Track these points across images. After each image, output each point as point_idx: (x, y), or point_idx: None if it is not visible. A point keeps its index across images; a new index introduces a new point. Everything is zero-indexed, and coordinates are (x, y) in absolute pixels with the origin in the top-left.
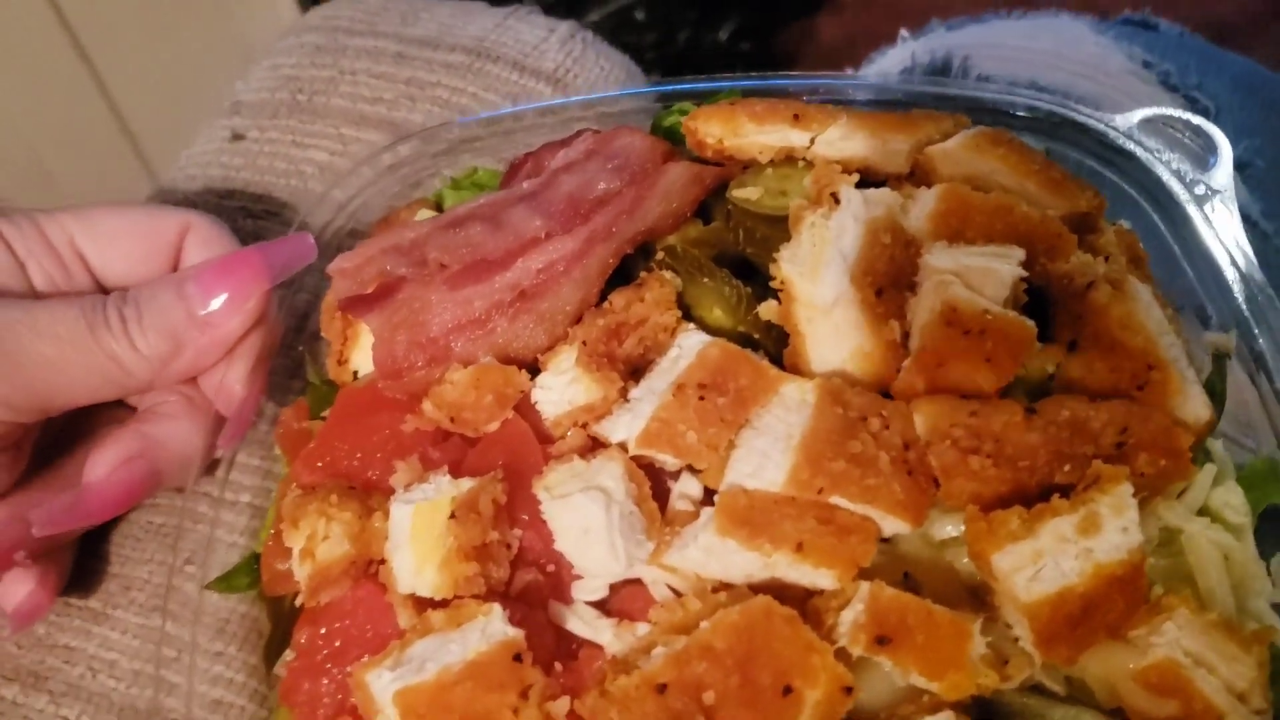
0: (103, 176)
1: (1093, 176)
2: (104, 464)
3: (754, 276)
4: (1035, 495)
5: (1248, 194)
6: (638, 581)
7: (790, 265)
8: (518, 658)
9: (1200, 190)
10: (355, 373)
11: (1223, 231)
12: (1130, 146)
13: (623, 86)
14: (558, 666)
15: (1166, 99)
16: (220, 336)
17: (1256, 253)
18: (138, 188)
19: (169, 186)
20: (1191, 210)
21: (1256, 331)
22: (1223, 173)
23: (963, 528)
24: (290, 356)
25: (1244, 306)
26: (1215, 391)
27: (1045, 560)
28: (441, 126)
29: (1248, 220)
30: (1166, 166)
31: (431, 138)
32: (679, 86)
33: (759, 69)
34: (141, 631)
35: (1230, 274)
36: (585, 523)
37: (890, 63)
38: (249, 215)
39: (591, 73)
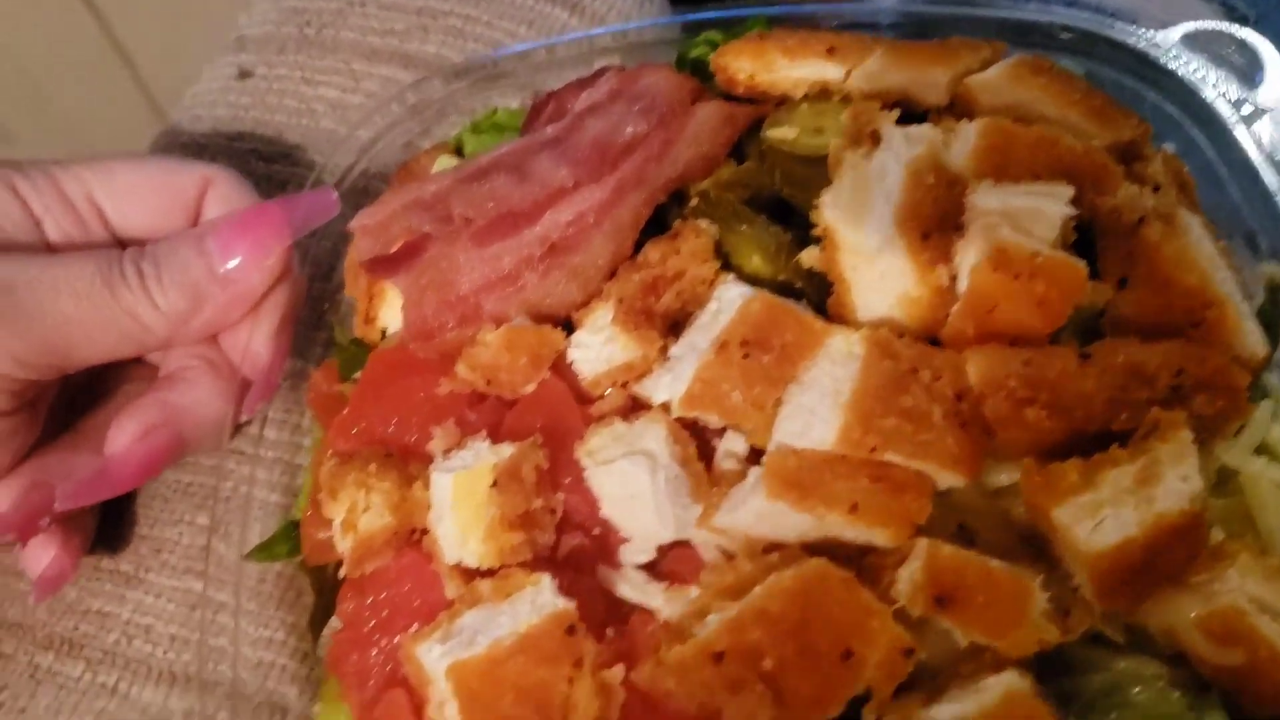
0: (103, 106)
1: (1133, 97)
2: (126, 434)
3: (792, 218)
4: (1091, 443)
5: None
6: (686, 543)
7: (833, 211)
8: (570, 629)
9: (1247, 109)
10: (384, 331)
11: (1273, 152)
12: (1172, 64)
13: (643, 10)
14: (609, 632)
15: (1203, 8)
16: (241, 293)
17: None
18: (138, 117)
19: (176, 128)
20: (1239, 131)
21: None
22: (1271, 89)
23: (1016, 476)
24: (314, 310)
25: None
26: (1270, 324)
27: (1105, 512)
28: (466, 63)
29: None
30: (1211, 85)
31: (455, 75)
32: (705, 15)
33: None
34: (176, 595)
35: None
36: (631, 489)
37: None
38: (261, 158)
39: None
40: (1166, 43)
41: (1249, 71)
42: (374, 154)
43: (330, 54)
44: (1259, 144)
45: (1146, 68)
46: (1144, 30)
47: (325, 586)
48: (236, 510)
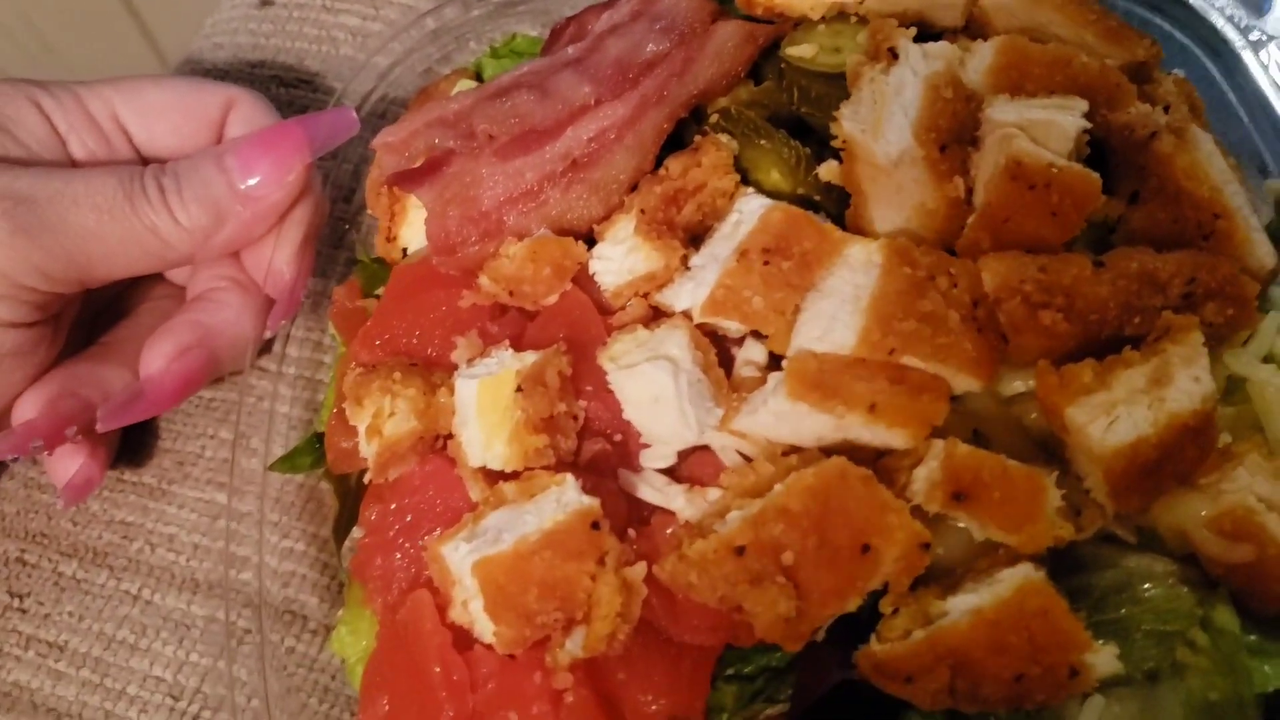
0: (106, 52)
1: (1143, 25)
2: (161, 355)
3: (809, 136)
4: (1105, 348)
5: None
6: (706, 448)
7: (852, 123)
8: (595, 525)
9: (1255, 35)
10: (405, 250)
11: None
12: None
13: None
14: (631, 533)
15: None
16: (262, 210)
17: None
18: (143, 64)
19: (196, 56)
20: (1247, 56)
21: None
22: (1278, 15)
23: (1031, 383)
24: (335, 230)
25: None
26: (1278, 239)
27: (1119, 411)
28: None
29: None
30: (1220, 12)
31: (474, 1)
32: None
33: None
34: (198, 506)
35: None
36: (655, 391)
37: None
38: (282, 84)
39: None
40: None
41: (1258, 1)
42: (393, 79)
43: None
44: (1266, 69)
45: None
46: None
47: (348, 495)
48: (259, 424)
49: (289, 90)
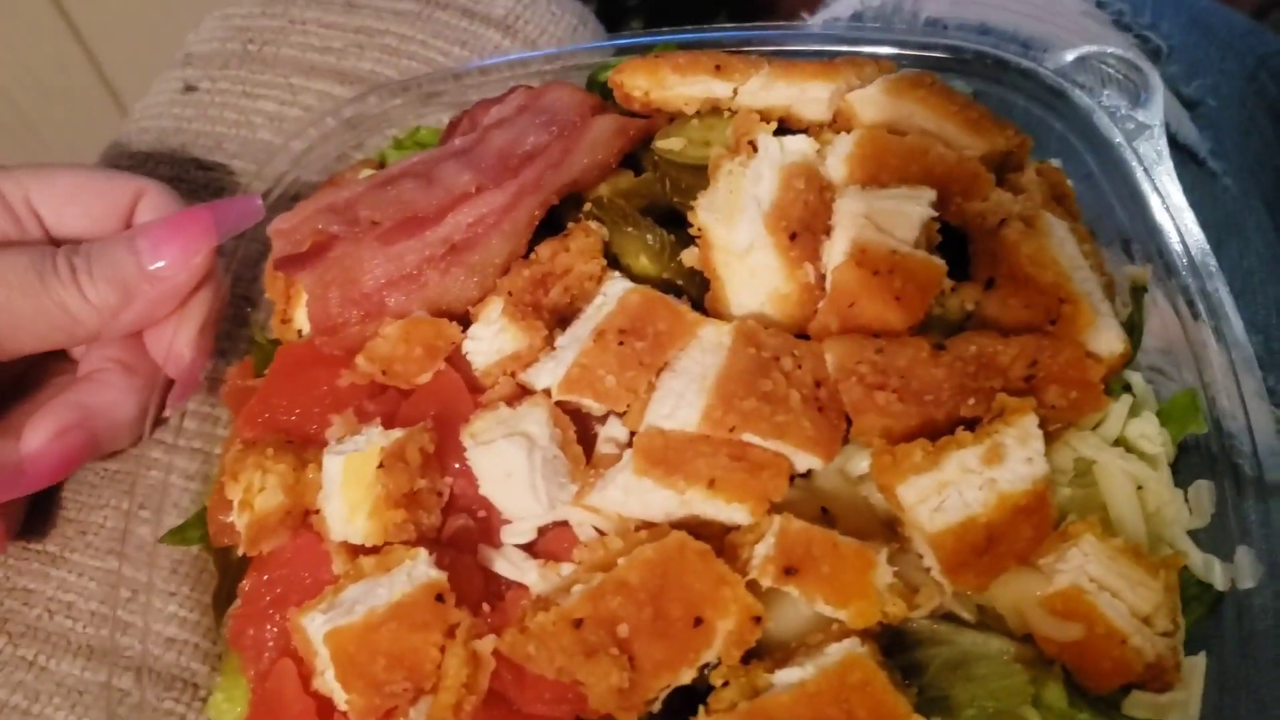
0: (83, 126)
1: (1028, 118)
2: (42, 434)
3: (682, 226)
4: (945, 429)
5: (1198, 133)
6: (565, 524)
7: (707, 212)
8: (440, 598)
9: (1130, 125)
10: (300, 331)
11: (1151, 166)
12: (1062, 85)
13: (576, 33)
14: (486, 608)
15: (1118, 39)
16: (168, 290)
17: (1204, 192)
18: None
19: (123, 140)
20: (1120, 146)
21: (1181, 265)
22: (1154, 107)
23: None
24: (238, 310)
25: (1170, 242)
26: (1133, 327)
27: (949, 491)
28: (402, 80)
29: (1195, 159)
30: (1098, 103)
31: (391, 92)
32: (630, 41)
33: (737, 18)
34: (98, 574)
35: (1156, 207)
36: (507, 467)
37: (842, 8)
38: (200, 166)
39: (543, 19)
40: (1057, 64)
41: (1137, 90)
42: (307, 164)
43: (270, 69)
44: (1139, 158)
45: (1039, 89)
46: (1035, 54)
47: (229, 567)
48: (155, 495)
49: (206, 172)
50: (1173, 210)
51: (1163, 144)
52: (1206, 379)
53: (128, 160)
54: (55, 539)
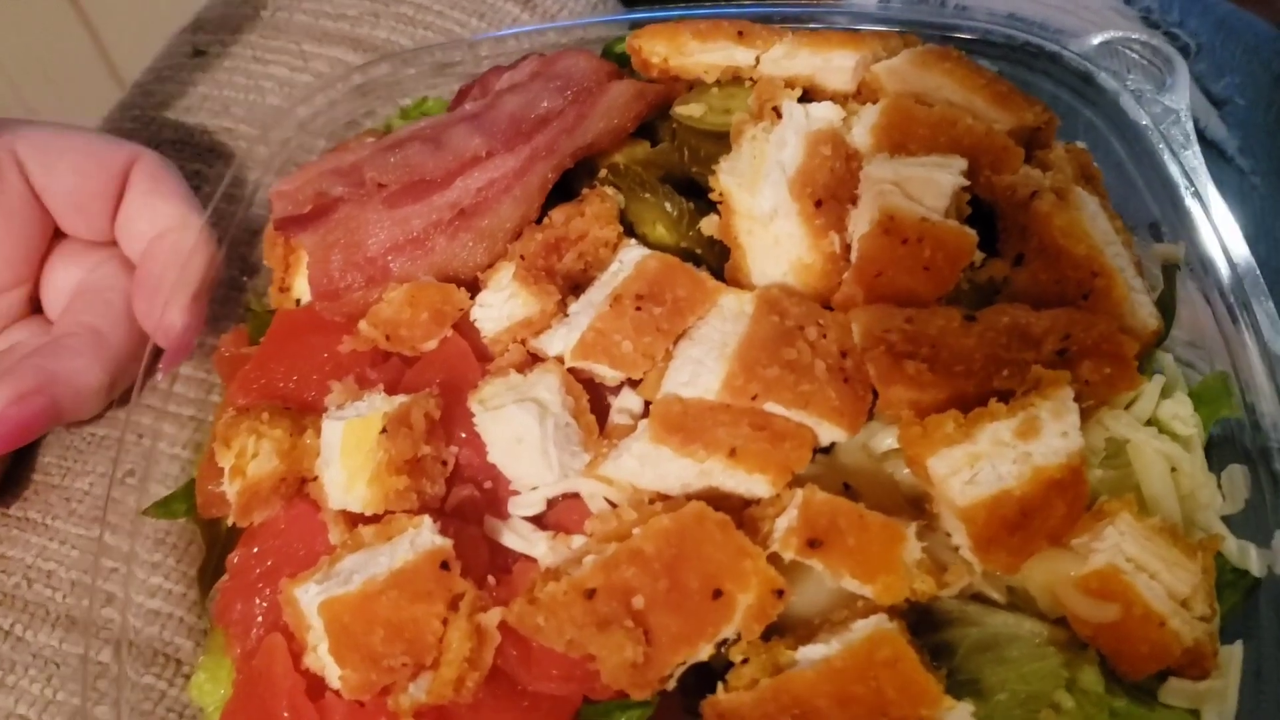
0: (78, 101)
1: (1054, 104)
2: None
3: (700, 196)
4: (974, 402)
5: (1225, 131)
6: (575, 496)
7: (729, 176)
8: (444, 565)
9: (1157, 109)
10: (298, 300)
11: (1179, 150)
12: (1089, 68)
13: (595, 10)
14: (491, 580)
15: (1145, 33)
16: None
17: (1232, 187)
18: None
19: (127, 102)
20: (1148, 128)
21: (1208, 246)
22: (1180, 91)
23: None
24: (234, 281)
25: (1196, 222)
26: (1165, 305)
27: (982, 463)
28: (414, 49)
29: (1224, 156)
30: (1124, 86)
31: (403, 61)
32: (652, 15)
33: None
34: (81, 542)
35: (1184, 189)
36: (518, 433)
37: None
38: (206, 130)
39: None
40: (1083, 48)
41: (1161, 75)
42: (315, 130)
43: (282, 34)
44: (1166, 139)
45: (1064, 72)
46: (1062, 36)
47: (217, 540)
48: (141, 463)
49: (211, 137)
50: (1201, 194)
51: (1189, 127)
52: (1239, 365)
53: (131, 123)
54: (37, 505)
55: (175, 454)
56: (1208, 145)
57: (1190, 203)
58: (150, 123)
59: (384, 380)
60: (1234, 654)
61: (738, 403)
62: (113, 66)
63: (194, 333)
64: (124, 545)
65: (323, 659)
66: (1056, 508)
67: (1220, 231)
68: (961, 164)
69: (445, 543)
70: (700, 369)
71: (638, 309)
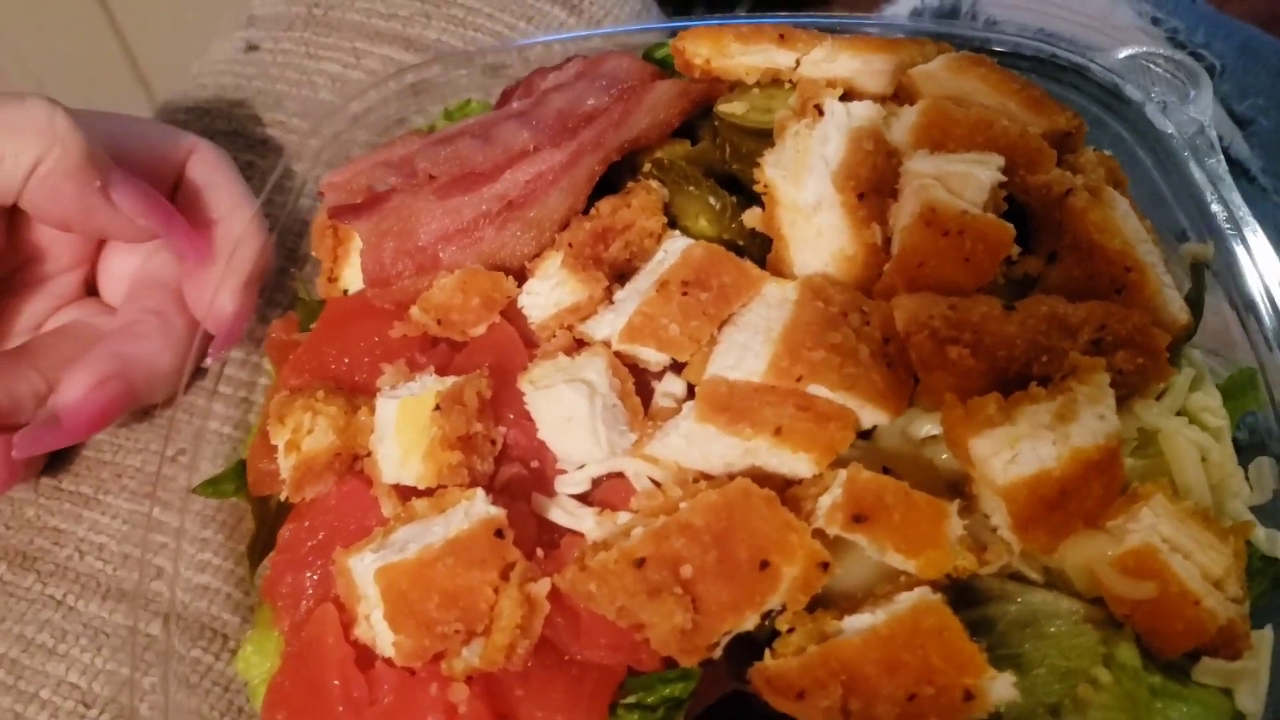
0: (99, 93)
1: (1081, 114)
2: (79, 385)
3: (740, 193)
4: (1014, 387)
5: (1249, 151)
6: (620, 475)
7: (774, 169)
8: (499, 534)
9: (1181, 118)
10: (345, 291)
11: (1203, 159)
12: (1114, 80)
13: (639, 18)
14: (540, 553)
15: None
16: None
17: (1256, 208)
18: (134, 105)
19: (180, 95)
20: (1173, 137)
21: (1235, 248)
22: (1203, 103)
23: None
24: (282, 274)
25: (1222, 227)
26: (1194, 302)
27: (1022, 444)
28: (467, 51)
29: (1247, 175)
30: (1149, 98)
31: (455, 63)
32: (697, 23)
33: (787, 8)
34: (131, 517)
35: (1209, 195)
36: (568, 411)
37: (902, 7)
38: (259, 123)
39: (608, 1)
40: (1108, 62)
41: (1185, 88)
42: (367, 125)
43: (335, 32)
44: (1191, 150)
45: (1089, 84)
46: (1087, 50)
47: (267, 518)
48: (192, 441)
49: (264, 129)
50: (1227, 199)
51: (1214, 136)
52: (1264, 363)
53: (183, 114)
54: (89, 481)
55: (226, 434)
56: (1232, 164)
57: (1216, 208)
58: (204, 114)
59: (434, 364)
60: (1265, 638)
61: (783, 384)
62: (138, 69)
63: (244, 319)
64: (174, 521)
65: (375, 628)
66: (1094, 488)
67: (1246, 237)
68: (999, 161)
69: (499, 512)
70: (745, 352)
71: (684, 294)
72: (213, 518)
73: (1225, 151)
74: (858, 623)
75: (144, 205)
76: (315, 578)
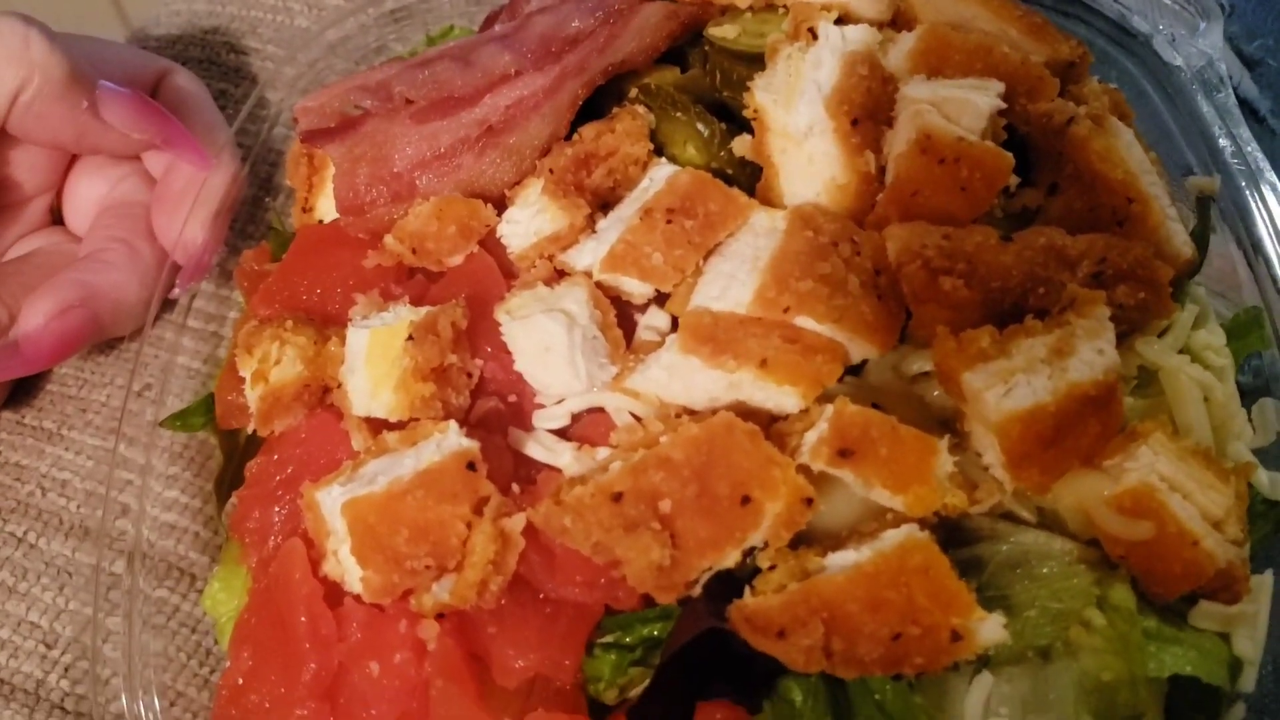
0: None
1: (1088, 49)
2: (41, 313)
3: (732, 121)
4: (1009, 320)
5: (1258, 92)
6: (600, 410)
7: (764, 93)
8: (471, 466)
9: (1190, 51)
10: (320, 221)
11: (1211, 92)
12: (1122, 12)
13: None
14: (515, 489)
15: None
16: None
17: (1265, 148)
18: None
19: (152, 19)
20: (1181, 70)
21: (1243, 185)
22: (1213, 36)
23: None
24: (256, 204)
25: (1232, 163)
26: (1199, 237)
27: (1017, 379)
28: None
29: (1256, 115)
30: (1157, 29)
31: None
32: None
33: None
34: (96, 453)
35: (1217, 129)
36: (546, 342)
37: None
38: (233, 50)
39: None
40: None
41: (1194, 20)
42: (345, 53)
43: None
44: (1200, 83)
45: (1095, 16)
46: None
47: (235, 451)
48: (159, 375)
49: (238, 56)
50: (1235, 134)
51: (1222, 70)
52: (1270, 302)
53: (155, 41)
54: (53, 415)
55: (195, 369)
56: (1241, 104)
57: (1224, 143)
58: (176, 41)
59: (409, 295)
60: (1264, 583)
61: (769, 316)
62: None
63: (213, 251)
64: (139, 458)
65: (343, 563)
66: (1091, 425)
67: (1255, 174)
68: (999, 87)
69: (472, 444)
70: (731, 283)
71: (669, 222)
72: (180, 454)
73: (1234, 91)
74: (841, 560)
75: (138, 117)
76: (283, 513)
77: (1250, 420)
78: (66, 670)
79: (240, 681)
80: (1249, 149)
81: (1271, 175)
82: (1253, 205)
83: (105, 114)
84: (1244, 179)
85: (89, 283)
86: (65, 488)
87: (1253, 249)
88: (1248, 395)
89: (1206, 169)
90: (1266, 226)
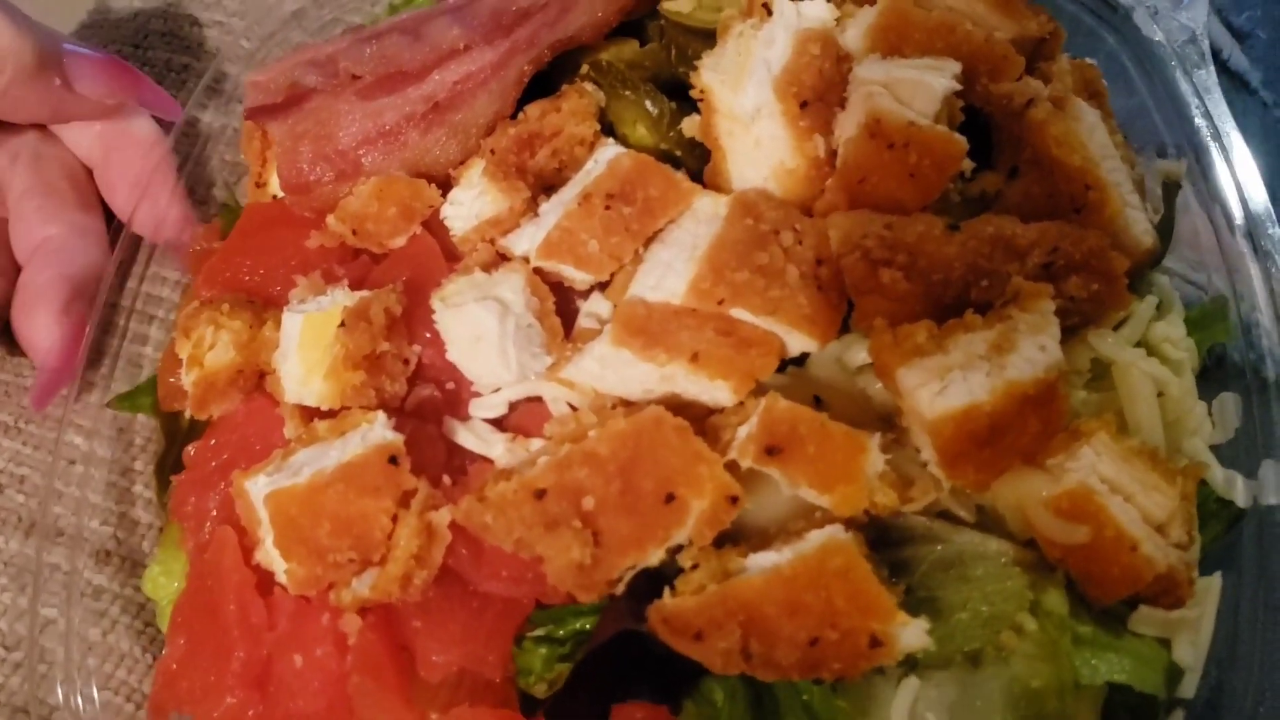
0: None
1: (1074, 24)
2: (44, 327)
3: (689, 99)
4: (952, 314)
5: (1248, 64)
6: (538, 400)
7: (711, 73)
8: (393, 460)
9: (1173, 25)
10: (274, 197)
11: (1192, 69)
12: None
13: None
14: (447, 480)
15: None
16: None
17: (1255, 119)
18: None
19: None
20: (1161, 45)
21: (1215, 163)
22: (1198, 9)
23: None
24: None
25: (1205, 140)
26: (1165, 226)
27: (953, 375)
28: None
29: (1247, 88)
30: (1138, 3)
31: None
32: None
33: None
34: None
35: (1194, 108)
36: (477, 331)
37: None
38: (195, 23)
39: None
40: None
41: None
42: (307, 26)
43: None
44: (1179, 59)
45: None
46: None
47: (177, 435)
48: (111, 359)
49: (201, 30)
50: (1212, 112)
51: (1205, 46)
52: (1239, 289)
53: (115, 13)
54: (10, 408)
55: (149, 356)
56: (1230, 75)
57: (1200, 121)
58: (137, 14)
59: (351, 277)
60: (1212, 585)
61: (704, 307)
62: None
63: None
64: (83, 444)
65: (270, 553)
66: (1030, 424)
67: (1229, 150)
68: (955, 68)
69: (396, 438)
70: (668, 272)
71: (607, 208)
72: (129, 442)
73: (1225, 63)
74: (762, 561)
75: (110, 81)
76: (219, 499)
77: (1211, 415)
78: (16, 668)
79: (174, 667)
80: (1224, 126)
81: (1246, 154)
82: (1225, 184)
83: (79, 87)
84: (1219, 158)
85: (69, 275)
86: (24, 484)
87: (1228, 231)
88: (1214, 374)
89: (1180, 145)
90: (1237, 205)
